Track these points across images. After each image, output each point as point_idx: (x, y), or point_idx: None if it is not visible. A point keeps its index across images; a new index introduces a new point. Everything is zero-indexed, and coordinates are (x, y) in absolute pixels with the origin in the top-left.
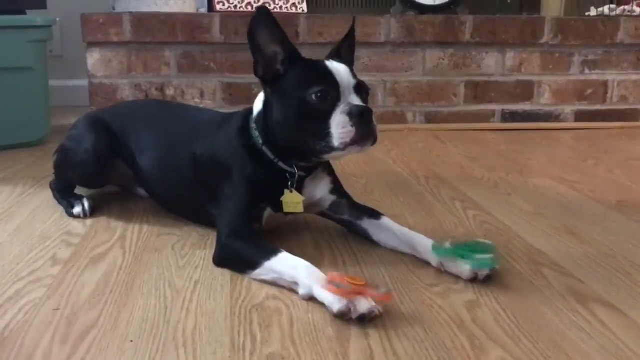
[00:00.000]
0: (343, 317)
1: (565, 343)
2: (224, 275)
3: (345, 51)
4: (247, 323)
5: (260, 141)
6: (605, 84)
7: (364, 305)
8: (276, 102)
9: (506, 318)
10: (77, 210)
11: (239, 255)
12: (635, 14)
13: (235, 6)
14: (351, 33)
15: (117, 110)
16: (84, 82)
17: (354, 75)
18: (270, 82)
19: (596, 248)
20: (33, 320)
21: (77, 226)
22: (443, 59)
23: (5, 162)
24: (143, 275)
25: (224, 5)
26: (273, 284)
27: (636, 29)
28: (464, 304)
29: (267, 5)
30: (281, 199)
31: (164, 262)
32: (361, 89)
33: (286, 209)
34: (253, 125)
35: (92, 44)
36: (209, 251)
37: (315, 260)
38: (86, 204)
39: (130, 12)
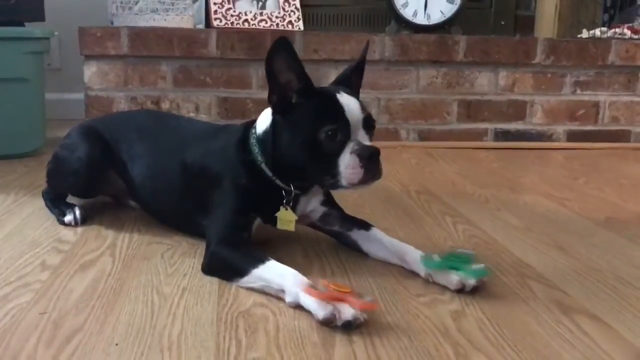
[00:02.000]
0: (328, 324)
1: (548, 352)
2: (212, 283)
3: (355, 77)
4: (232, 329)
5: (259, 158)
6: (596, 104)
7: (349, 312)
8: (286, 131)
9: (491, 327)
10: (68, 218)
11: (228, 263)
12: (626, 36)
13: (232, 22)
14: (363, 59)
15: (110, 120)
16: (82, 96)
17: (363, 108)
18: (281, 110)
19: (583, 262)
20: (19, 323)
21: (67, 234)
22: (436, 78)
23: None
24: (131, 282)
25: (221, 21)
26: (260, 291)
27: (627, 51)
28: (449, 314)
29: (266, 20)
30: (276, 215)
31: (153, 270)
32: (369, 122)
33: (280, 226)
34: (253, 141)
35: (89, 57)
36: (198, 259)
37: (304, 270)
38: (77, 213)
39: (128, 26)
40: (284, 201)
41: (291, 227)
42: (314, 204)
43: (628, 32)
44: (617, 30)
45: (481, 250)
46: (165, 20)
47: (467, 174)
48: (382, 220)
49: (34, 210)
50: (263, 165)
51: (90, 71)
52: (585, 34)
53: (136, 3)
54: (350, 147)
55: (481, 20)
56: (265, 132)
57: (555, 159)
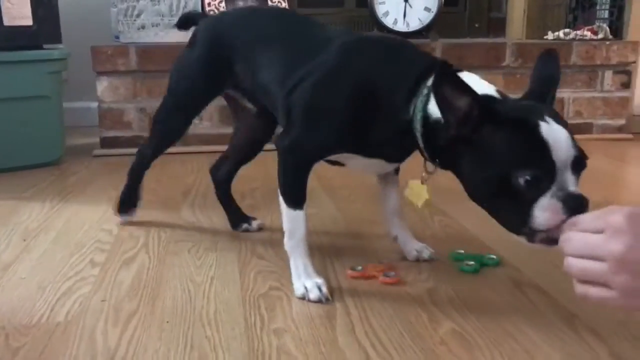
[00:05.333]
0: (302, 298)
1: (501, 317)
2: (234, 272)
3: (553, 89)
4: (256, 308)
5: (419, 134)
6: (561, 100)
7: (315, 293)
8: (467, 156)
9: (458, 300)
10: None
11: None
12: (586, 38)
13: None
14: (555, 64)
15: (235, 17)
16: (84, 104)
17: (574, 142)
18: (462, 139)
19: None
20: (87, 309)
21: (104, 236)
22: None
23: (28, 181)
24: (168, 273)
25: None
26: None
27: (586, 52)
28: (426, 291)
29: None
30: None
31: (184, 263)
32: (579, 163)
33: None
34: (419, 108)
35: (101, 73)
36: (220, 253)
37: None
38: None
39: (136, 44)
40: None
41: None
42: None
43: (588, 34)
44: (578, 32)
45: (453, 237)
46: (167, 35)
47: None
48: (373, 215)
49: (70, 215)
50: (421, 142)
51: (102, 86)
52: (550, 35)
53: (137, 17)
54: (551, 191)
55: (456, 24)
56: (437, 122)
57: None
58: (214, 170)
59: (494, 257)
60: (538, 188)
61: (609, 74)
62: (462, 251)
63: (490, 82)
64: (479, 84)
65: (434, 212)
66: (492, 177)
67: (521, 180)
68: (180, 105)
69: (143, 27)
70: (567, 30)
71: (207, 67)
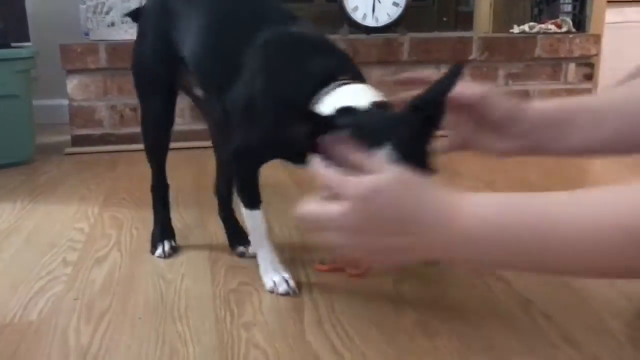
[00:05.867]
0: (271, 292)
1: (461, 305)
2: (205, 269)
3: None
4: (226, 302)
5: None
6: (527, 93)
7: (283, 287)
8: None
9: (422, 289)
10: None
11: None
12: (550, 31)
13: None
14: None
15: None
16: (56, 102)
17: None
18: None
19: None
20: (60, 307)
21: (77, 235)
22: (386, 76)
23: None
24: (140, 271)
25: None
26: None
27: (550, 45)
28: (391, 282)
29: None
30: None
31: (155, 261)
32: None
33: None
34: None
35: (71, 71)
36: (191, 250)
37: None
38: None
39: (106, 41)
40: None
41: None
42: None
43: (553, 27)
44: (542, 26)
45: None
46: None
47: None
48: None
49: (42, 215)
50: None
51: (72, 84)
52: (516, 29)
53: (107, 14)
54: None
55: (425, 18)
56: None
57: None
58: (216, 188)
59: None
60: None
61: (572, 67)
62: None
63: None
64: (359, 95)
65: None
66: None
67: None
68: (151, 84)
69: (113, 24)
70: (532, 23)
71: (158, 37)
